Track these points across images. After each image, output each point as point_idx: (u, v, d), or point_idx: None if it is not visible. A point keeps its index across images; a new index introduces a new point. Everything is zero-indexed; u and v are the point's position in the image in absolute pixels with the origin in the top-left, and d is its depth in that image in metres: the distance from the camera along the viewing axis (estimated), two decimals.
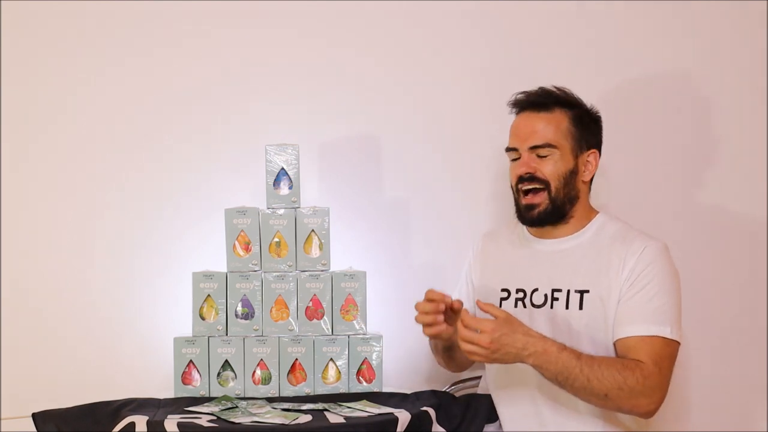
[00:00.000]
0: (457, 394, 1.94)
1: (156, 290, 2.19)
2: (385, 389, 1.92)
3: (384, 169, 2.27)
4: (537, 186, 1.81)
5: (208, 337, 1.90)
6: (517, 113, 1.88)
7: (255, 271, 1.93)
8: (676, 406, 2.21)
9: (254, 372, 1.90)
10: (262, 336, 1.91)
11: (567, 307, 1.79)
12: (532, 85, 1.90)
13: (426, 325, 1.76)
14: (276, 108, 2.24)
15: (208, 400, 1.84)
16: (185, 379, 1.89)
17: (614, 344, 1.74)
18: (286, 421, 1.62)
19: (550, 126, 1.82)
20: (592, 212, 1.88)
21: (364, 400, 1.82)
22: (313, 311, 1.93)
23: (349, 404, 1.78)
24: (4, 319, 2.17)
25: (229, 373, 1.90)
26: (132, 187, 2.22)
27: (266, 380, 1.90)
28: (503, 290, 1.87)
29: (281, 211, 1.94)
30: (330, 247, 1.95)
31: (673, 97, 2.30)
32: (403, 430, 1.63)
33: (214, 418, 1.66)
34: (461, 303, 1.75)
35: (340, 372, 1.91)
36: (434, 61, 2.28)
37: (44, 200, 2.20)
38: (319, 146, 2.25)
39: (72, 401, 1.72)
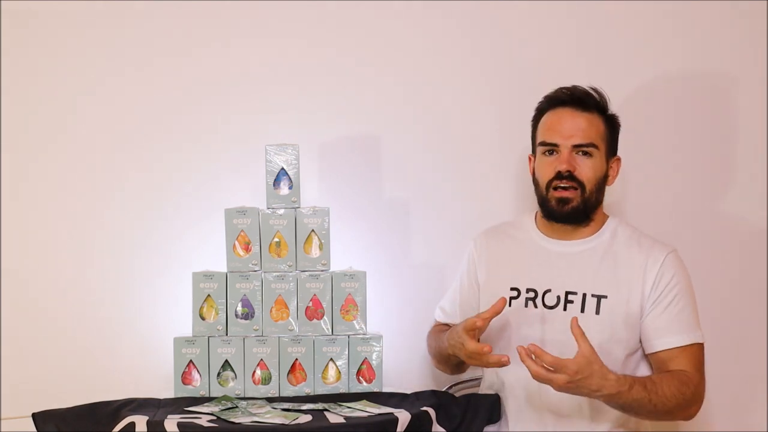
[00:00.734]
0: (457, 394, 1.94)
1: (156, 290, 2.19)
2: (385, 389, 1.92)
3: (384, 169, 2.27)
4: (573, 185, 1.80)
5: (208, 337, 1.90)
6: (553, 108, 1.85)
7: (255, 271, 1.93)
8: None
9: (254, 372, 1.90)
10: (262, 336, 1.91)
11: (583, 311, 1.79)
12: (535, 87, 1.90)
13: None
14: (276, 108, 2.24)
15: (208, 400, 1.84)
16: (185, 379, 1.89)
17: (651, 355, 1.79)
18: (286, 421, 1.62)
19: (592, 127, 1.82)
20: (605, 216, 1.89)
21: (364, 400, 1.82)
22: (313, 311, 1.93)
23: (349, 404, 1.78)
24: (4, 319, 2.17)
25: (229, 373, 1.90)
26: (132, 187, 2.22)
27: (266, 380, 1.90)
28: (513, 289, 1.86)
29: (281, 211, 1.94)
30: (330, 247, 1.94)
31: (675, 98, 2.30)
32: (403, 430, 1.63)
33: (214, 418, 1.66)
34: (483, 321, 1.72)
35: (340, 372, 1.91)
36: (434, 61, 2.28)
37: (44, 200, 2.20)
38: (319, 146, 2.25)
39: (72, 401, 1.72)
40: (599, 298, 1.79)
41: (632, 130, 2.26)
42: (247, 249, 1.93)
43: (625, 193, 2.28)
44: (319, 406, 1.77)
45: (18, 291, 2.18)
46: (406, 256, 2.27)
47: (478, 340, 1.74)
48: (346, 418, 1.66)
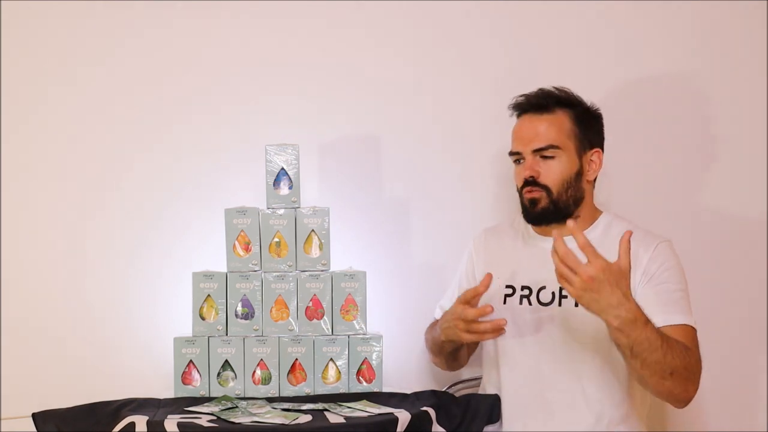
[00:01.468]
0: (457, 394, 1.94)
1: (156, 290, 2.19)
2: (385, 389, 1.92)
3: (384, 169, 2.27)
4: (538, 189, 1.82)
5: (208, 337, 1.90)
6: (518, 116, 1.88)
7: (255, 271, 1.93)
8: None
9: (254, 372, 1.90)
10: (262, 336, 1.91)
11: (577, 305, 1.79)
12: (533, 86, 1.90)
13: (486, 332, 1.72)
14: (276, 108, 2.24)
15: (208, 400, 1.84)
16: (185, 379, 1.89)
17: None
18: (286, 421, 1.62)
19: (552, 127, 1.82)
20: (596, 211, 1.89)
21: (364, 400, 1.82)
22: (313, 311, 1.93)
23: (349, 404, 1.78)
24: (4, 319, 2.17)
25: (229, 373, 1.90)
26: (132, 187, 2.22)
27: (266, 380, 1.90)
28: (508, 286, 1.87)
29: (281, 211, 1.94)
30: (330, 247, 1.94)
31: (674, 97, 2.30)
32: (403, 430, 1.63)
33: (214, 418, 1.66)
34: (484, 287, 1.71)
35: (340, 372, 1.91)
36: (435, 61, 2.28)
37: (44, 200, 2.20)
38: (319, 146, 2.25)
39: (72, 401, 1.72)
40: None
41: (633, 131, 2.27)
42: (247, 249, 1.93)
43: (627, 193, 2.28)
44: (319, 406, 1.77)
45: (18, 291, 2.18)
46: (406, 256, 2.27)
47: None
48: (346, 418, 1.66)
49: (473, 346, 1.99)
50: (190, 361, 1.89)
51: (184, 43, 2.24)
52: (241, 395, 1.89)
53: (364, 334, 1.93)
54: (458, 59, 2.28)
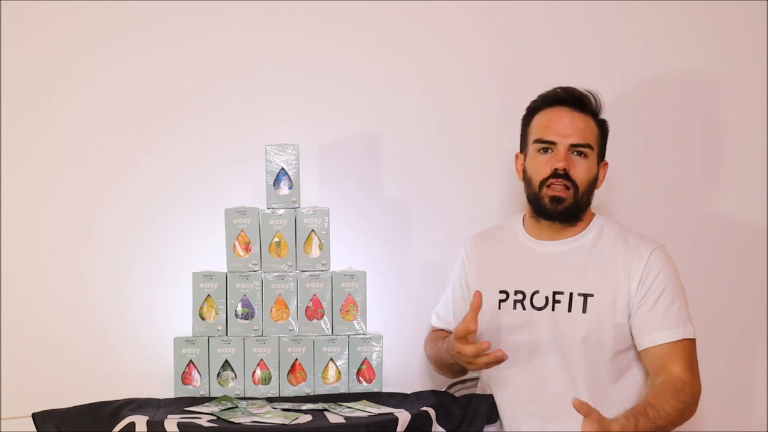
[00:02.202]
0: (457, 394, 1.94)
1: (156, 290, 2.19)
2: (385, 389, 1.92)
3: (384, 169, 2.27)
4: (567, 184, 1.79)
5: (208, 337, 1.90)
6: (549, 107, 1.84)
7: (255, 271, 1.93)
8: None
9: (254, 372, 1.90)
10: (262, 336, 1.91)
11: (570, 310, 1.79)
12: (533, 86, 1.90)
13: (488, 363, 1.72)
14: (276, 108, 2.24)
15: (208, 400, 1.84)
16: (185, 379, 1.89)
17: (642, 352, 1.77)
18: (286, 421, 1.62)
19: (588, 128, 1.82)
20: (591, 215, 1.89)
21: (364, 400, 1.82)
22: (313, 311, 1.93)
23: (349, 404, 1.78)
24: (4, 319, 2.17)
25: (229, 373, 1.90)
26: (132, 187, 2.22)
27: (266, 380, 1.90)
28: (501, 292, 1.87)
29: (281, 211, 1.94)
30: (330, 247, 1.94)
31: (675, 100, 2.30)
32: (403, 430, 1.63)
33: (214, 418, 1.66)
34: (472, 323, 1.70)
35: (340, 372, 1.91)
36: (435, 61, 2.28)
37: (44, 200, 2.20)
38: (319, 146, 2.25)
39: (72, 401, 1.72)
40: (585, 296, 1.79)
41: (633, 134, 2.27)
42: (247, 249, 1.93)
43: (626, 197, 2.28)
44: (319, 406, 1.77)
45: (18, 291, 2.18)
46: (406, 256, 2.27)
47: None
48: (346, 418, 1.66)
49: None
50: (190, 361, 1.89)
51: (183, 43, 2.24)
52: (241, 395, 1.89)
53: (364, 334, 1.93)
54: (458, 59, 2.28)
